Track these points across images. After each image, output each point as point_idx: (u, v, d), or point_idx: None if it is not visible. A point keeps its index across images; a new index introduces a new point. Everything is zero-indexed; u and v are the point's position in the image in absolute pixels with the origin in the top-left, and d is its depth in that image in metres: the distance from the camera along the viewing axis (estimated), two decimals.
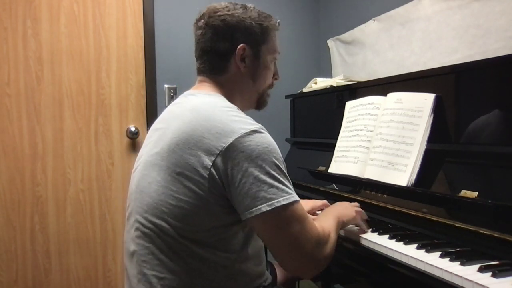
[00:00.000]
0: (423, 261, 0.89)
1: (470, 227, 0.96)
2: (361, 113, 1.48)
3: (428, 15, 1.73)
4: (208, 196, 0.87)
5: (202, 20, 1.04)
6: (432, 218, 1.06)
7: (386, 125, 1.32)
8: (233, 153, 0.85)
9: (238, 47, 1.02)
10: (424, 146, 1.18)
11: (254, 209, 0.84)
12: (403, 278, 0.97)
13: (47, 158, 2.06)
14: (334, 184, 1.54)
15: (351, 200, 1.26)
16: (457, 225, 0.99)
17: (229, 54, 1.03)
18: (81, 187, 2.13)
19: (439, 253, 0.92)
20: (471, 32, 1.53)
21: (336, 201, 1.24)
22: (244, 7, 1.05)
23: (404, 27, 1.88)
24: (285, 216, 0.86)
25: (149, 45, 2.24)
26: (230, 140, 0.86)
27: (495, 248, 0.90)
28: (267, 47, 1.07)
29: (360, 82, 1.72)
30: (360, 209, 1.17)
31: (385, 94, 1.39)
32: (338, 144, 1.55)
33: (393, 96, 1.34)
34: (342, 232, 1.15)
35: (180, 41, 2.28)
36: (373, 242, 1.06)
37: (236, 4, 1.05)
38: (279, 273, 1.30)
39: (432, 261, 0.88)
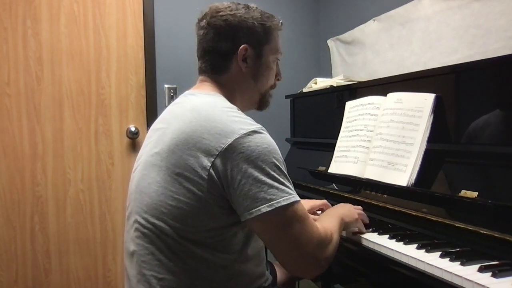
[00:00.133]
0: (423, 261, 0.89)
1: (470, 227, 0.96)
2: (361, 113, 1.48)
3: (428, 15, 1.73)
4: (207, 197, 0.87)
5: (204, 20, 1.03)
6: (432, 218, 1.06)
7: (386, 125, 1.32)
8: (232, 154, 0.85)
9: (240, 47, 1.01)
10: (424, 146, 1.18)
11: (254, 210, 0.84)
12: (403, 278, 0.97)
13: (47, 158, 2.06)
14: (334, 184, 1.54)
15: (351, 200, 1.26)
16: (457, 225, 0.99)
17: (231, 54, 1.02)
18: (81, 187, 2.13)
19: (439, 253, 0.92)
20: (471, 32, 1.53)
21: (336, 201, 1.23)
22: (247, 7, 1.04)
23: (404, 27, 1.88)
24: (285, 216, 0.86)
25: (149, 45, 2.24)
26: (230, 140, 0.85)
27: (495, 248, 0.90)
28: (270, 47, 1.06)
29: (360, 82, 1.72)
30: (362, 212, 1.17)
31: (385, 94, 1.39)
32: (338, 144, 1.55)
33: (393, 96, 1.34)
34: (342, 233, 1.15)
35: (180, 41, 2.28)
36: (373, 242, 1.06)
37: (239, 4, 1.04)
38: (279, 273, 1.29)
39: (432, 261, 0.88)
